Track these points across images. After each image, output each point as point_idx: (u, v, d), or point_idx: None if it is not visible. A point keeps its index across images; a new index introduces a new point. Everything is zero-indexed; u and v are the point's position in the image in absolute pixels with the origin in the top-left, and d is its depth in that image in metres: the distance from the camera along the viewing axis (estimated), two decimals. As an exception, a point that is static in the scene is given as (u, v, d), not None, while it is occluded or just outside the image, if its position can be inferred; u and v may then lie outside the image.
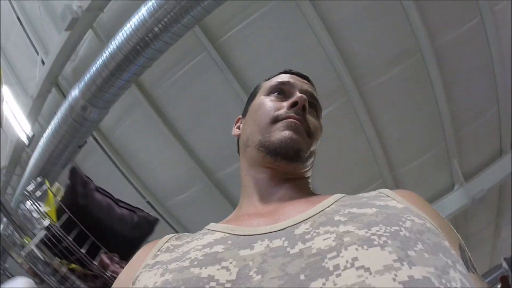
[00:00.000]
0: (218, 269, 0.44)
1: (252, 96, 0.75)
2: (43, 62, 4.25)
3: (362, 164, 4.09)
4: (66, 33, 3.70)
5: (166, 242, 0.58)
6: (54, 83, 4.18)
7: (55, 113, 3.41)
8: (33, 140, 3.95)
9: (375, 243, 0.41)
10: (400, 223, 0.45)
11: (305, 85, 0.71)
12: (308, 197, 0.61)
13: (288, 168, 0.61)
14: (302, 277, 0.40)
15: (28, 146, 4.08)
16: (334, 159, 3.93)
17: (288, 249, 0.45)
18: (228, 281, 0.43)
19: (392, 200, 0.54)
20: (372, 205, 0.51)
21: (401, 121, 4.03)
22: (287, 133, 0.60)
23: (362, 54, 3.74)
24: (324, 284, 0.38)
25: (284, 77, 0.71)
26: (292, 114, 0.62)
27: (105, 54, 2.86)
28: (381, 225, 0.44)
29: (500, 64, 3.85)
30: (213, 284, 0.42)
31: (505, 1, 3.60)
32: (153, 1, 2.62)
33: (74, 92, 3.10)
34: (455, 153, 4.21)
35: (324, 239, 0.44)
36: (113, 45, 2.81)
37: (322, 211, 0.52)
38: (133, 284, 0.50)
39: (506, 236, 5.41)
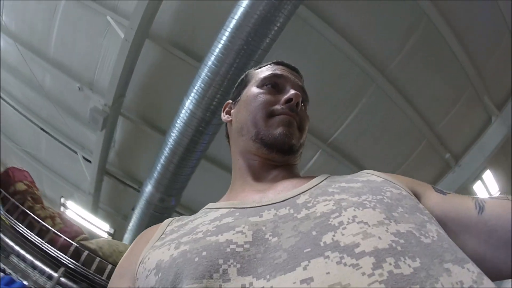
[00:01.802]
0: (234, 234, 0.47)
1: (243, 84, 0.77)
2: (85, 158, 4.42)
3: (405, 135, 4.32)
4: (102, 131, 3.85)
5: (168, 225, 0.60)
6: (104, 173, 4.38)
7: (132, 209, 3.64)
8: (115, 235, 4.22)
9: (368, 206, 0.48)
10: (382, 193, 0.52)
11: (297, 80, 0.75)
12: (299, 177, 0.66)
13: (281, 159, 0.67)
14: (314, 233, 0.45)
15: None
16: (381, 140, 4.20)
17: (295, 214, 0.49)
18: (246, 242, 0.46)
19: (372, 175, 0.60)
20: (357, 180, 0.58)
21: (427, 85, 4.19)
22: (282, 129, 0.64)
23: (375, 42, 3.83)
24: (334, 235, 0.44)
25: (277, 70, 0.74)
26: (287, 110, 0.66)
27: (166, 150, 3.03)
28: (368, 194, 0.51)
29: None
30: (233, 246, 0.45)
31: None
32: (193, 95, 2.75)
33: (148, 188, 3.31)
34: (484, 91, 4.39)
35: (324, 205, 0.49)
36: (170, 141, 2.97)
37: (316, 185, 0.58)
38: (141, 263, 0.51)
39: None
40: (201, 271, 0.43)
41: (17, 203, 2.47)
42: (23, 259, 2.21)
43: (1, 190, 2.43)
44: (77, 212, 4.23)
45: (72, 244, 2.47)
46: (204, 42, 3.33)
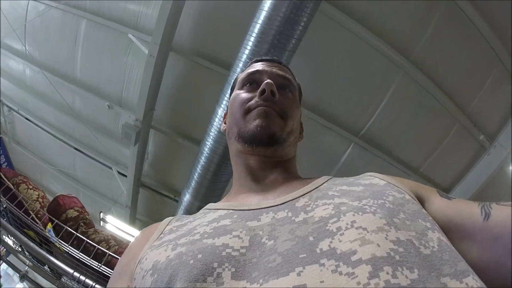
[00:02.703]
0: (230, 238, 0.47)
1: (231, 91, 0.79)
2: (120, 173, 4.55)
3: (437, 119, 4.22)
4: (135, 146, 3.94)
5: (167, 225, 0.59)
6: (139, 185, 4.49)
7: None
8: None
9: (368, 210, 0.46)
10: (384, 197, 0.50)
11: (275, 69, 0.73)
12: (299, 178, 0.65)
13: (266, 152, 0.65)
14: (311, 238, 0.44)
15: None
16: (413, 127, 4.13)
17: (293, 218, 0.48)
18: (242, 247, 0.45)
19: (375, 178, 0.59)
20: (359, 184, 0.56)
21: (454, 66, 4.09)
22: (257, 121, 0.64)
23: (397, 26, 3.76)
24: (331, 242, 0.43)
25: (255, 66, 0.74)
26: (262, 102, 0.65)
27: (202, 159, 3.08)
28: (369, 199, 0.50)
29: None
30: (228, 250, 0.45)
31: None
32: (225, 103, 2.78)
33: (186, 197, 3.37)
34: (515, 65, 4.24)
35: (323, 209, 0.48)
36: (206, 150, 3.02)
37: (316, 188, 0.56)
38: (139, 263, 0.51)
39: None
40: (195, 274, 0.42)
41: (71, 229, 2.53)
42: (84, 284, 2.25)
43: (54, 218, 2.51)
44: (116, 225, 4.35)
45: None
46: (228, 49, 3.36)
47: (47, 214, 2.60)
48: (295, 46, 2.69)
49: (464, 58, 4.05)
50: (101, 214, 4.38)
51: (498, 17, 4.06)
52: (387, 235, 0.42)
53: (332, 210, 0.48)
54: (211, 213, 0.57)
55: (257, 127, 0.63)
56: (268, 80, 0.67)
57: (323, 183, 0.58)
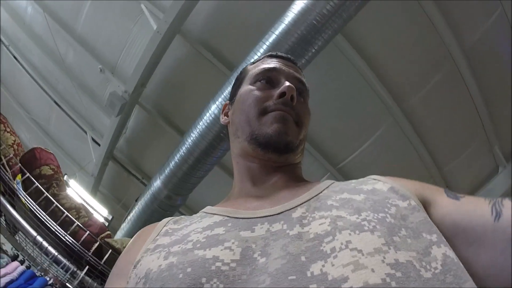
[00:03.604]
0: (221, 250, 0.45)
1: (238, 82, 0.72)
2: (93, 140, 4.40)
3: (414, 171, 4.37)
4: (117, 117, 3.83)
5: (164, 226, 0.57)
6: (111, 157, 4.36)
7: (136, 200, 3.63)
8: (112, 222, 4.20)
9: (366, 228, 0.44)
10: (386, 209, 0.47)
11: (292, 71, 0.69)
12: (301, 182, 0.62)
13: (279, 159, 0.62)
14: (303, 258, 0.42)
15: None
16: (390, 174, 4.22)
17: (288, 231, 0.46)
18: (232, 260, 0.44)
19: (378, 182, 0.56)
20: (361, 190, 0.53)
21: (441, 126, 4.24)
22: (276, 126, 0.60)
23: (400, 76, 3.87)
24: (323, 265, 0.40)
25: (270, 63, 0.69)
26: (281, 106, 0.61)
27: (182, 149, 3.03)
28: (369, 212, 0.47)
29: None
30: (218, 264, 0.43)
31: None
32: (221, 101, 2.76)
33: (156, 183, 3.30)
34: (495, 140, 4.46)
35: (320, 224, 0.46)
36: (189, 142, 2.97)
37: (316, 196, 0.54)
38: (134, 268, 0.50)
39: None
40: None
41: (41, 188, 2.37)
42: (46, 252, 2.12)
43: (26, 171, 2.36)
44: (77, 191, 4.20)
45: (96, 240, 2.36)
46: (235, 49, 3.35)
47: (19, 164, 2.40)
48: (303, 66, 2.72)
49: (451, 122, 4.22)
50: (66, 176, 4.21)
51: (496, 96, 4.27)
52: (384, 257, 0.39)
53: (328, 225, 0.45)
54: (207, 218, 0.54)
55: (276, 132, 0.60)
56: (290, 84, 0.63)
57: (323, 190, 0.55)
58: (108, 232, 2.64)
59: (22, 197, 2.23)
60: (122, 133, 4.17)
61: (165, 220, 0.60)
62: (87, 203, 3.98)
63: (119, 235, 3.95)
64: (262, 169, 0.63)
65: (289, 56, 0.72)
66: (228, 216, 0.53)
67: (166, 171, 3.19)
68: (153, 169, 3.69)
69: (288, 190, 0.58)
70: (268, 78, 0.67)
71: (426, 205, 0.51)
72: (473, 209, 0.46)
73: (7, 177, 2.18)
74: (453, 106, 4.19)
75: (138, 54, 3.62)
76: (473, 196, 0.50)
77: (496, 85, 4.21)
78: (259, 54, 2.65)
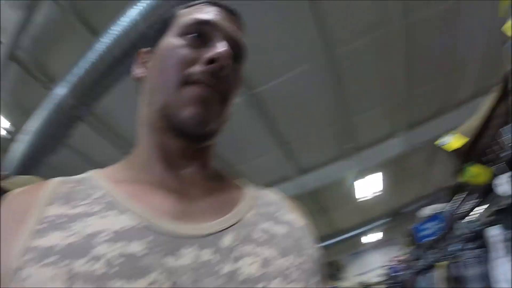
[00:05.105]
0: (149, 284, 0.38)
1: (164, 27, 0.58)
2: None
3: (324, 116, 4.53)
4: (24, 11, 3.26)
5: (50, 205, 0.44)
6: (13, 58, 3.76)
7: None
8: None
9: (293, 277, 0.46)
10: (304, 251, 0.51)
11: (232, 28, 0.56)
12: (218, 177, 0.58)
13: (195, 145, 0.54)
14: None
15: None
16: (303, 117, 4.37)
17: (217, 268, 0.43)
18: None
19: (292, 213, 0.58)
20: (282, 221, 0.54)
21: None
22: (194, 111, 0.49)
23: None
24: None
25: (206, 14, 0.55)
26: (207, 77, 0.50)
27: (94, 55, 2.73)
28: (292, 255, 0.49)
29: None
30: None
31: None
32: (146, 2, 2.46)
33: (61, 90, 2.97)
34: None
35: (250, 263, 0.45)
36: (102, 46, 2.67)
37: (241, 220, 0.50)
38: (15, 275, 0.37)
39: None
40: None
41: None
42: None
43: None
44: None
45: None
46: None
47: None
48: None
49: (374, 80, 4.42)
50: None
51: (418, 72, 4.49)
52: None
53: (260, 267, 0.45)
54: (115, 211, 0.44)
55: (192, 119, 0.49)
56: (225, 49, 0.50)
57: (248, 213, 0.52)
58: (6, 172, 2.26)
59: None
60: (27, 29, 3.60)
61: (45, 189, 0.46)
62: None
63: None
64: (178, 151, 0.53)
65: (232, 8, 0.58)
66: (146, 222, 0.44)
67: (74, 80, 2.86)
68: (58, 73, 3.32)
69: (209, 192, 0.53)
70: (199, 32, 0.53)
71: None
72: None
73: None
74: (379, 66, 4.33)
75: None
76: None
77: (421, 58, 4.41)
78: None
